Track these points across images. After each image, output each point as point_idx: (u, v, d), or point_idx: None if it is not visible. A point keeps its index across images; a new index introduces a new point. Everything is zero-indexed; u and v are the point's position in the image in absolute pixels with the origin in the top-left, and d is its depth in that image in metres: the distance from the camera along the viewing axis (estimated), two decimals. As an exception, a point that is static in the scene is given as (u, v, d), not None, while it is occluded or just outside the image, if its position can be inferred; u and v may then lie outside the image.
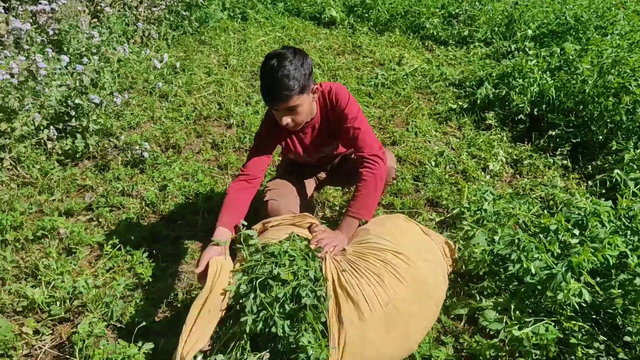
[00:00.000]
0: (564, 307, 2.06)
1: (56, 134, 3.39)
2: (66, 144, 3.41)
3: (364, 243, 2.06)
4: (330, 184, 2.96)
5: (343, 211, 2.88)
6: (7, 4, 4.46)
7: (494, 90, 4.35)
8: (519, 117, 4.02)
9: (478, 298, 2.31)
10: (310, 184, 2.74)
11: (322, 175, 2.83)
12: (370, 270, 1.90)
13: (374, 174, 2.24)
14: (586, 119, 3.72)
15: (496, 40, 5.84)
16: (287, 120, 2.16)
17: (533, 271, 2.14)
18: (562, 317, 2.05)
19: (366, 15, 6.87)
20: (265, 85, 2.06)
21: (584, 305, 2.07)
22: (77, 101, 3.38)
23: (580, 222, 2.44)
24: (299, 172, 2.74)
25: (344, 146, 2.62)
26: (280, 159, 3.04)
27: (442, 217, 3.01)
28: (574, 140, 3.67)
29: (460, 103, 4.44)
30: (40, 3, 4.29)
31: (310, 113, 2.30)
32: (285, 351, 1.74)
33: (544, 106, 3.96)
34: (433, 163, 3.54)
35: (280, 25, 6.68)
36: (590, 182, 3.33)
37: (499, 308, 2.21)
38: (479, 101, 4.31)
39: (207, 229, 2.91)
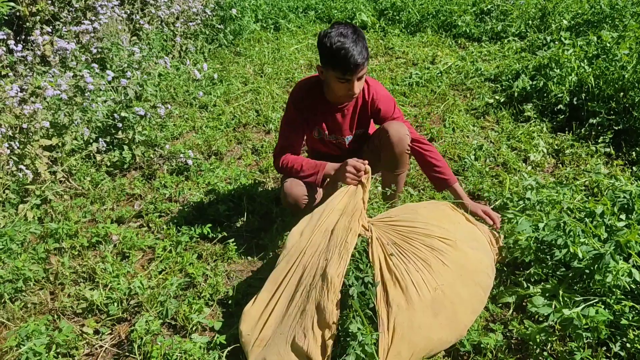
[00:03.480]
0: (614, 289, 2.04)
1: (104, 146, 3.54)
2: (114, 156, 3.56)
3: (410, 226, 2.08)
4: None
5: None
6: (52, 26, 4.67)
7: (531, 82, 4.31)
8: (558, 107, 3.96)
9: (525, 285, 2.29)
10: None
11: None
12: (417, 256, 1.92)
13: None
14: (627, 105, 3.65)
15: (531, 33, 5.78)
16: (359, 87, 2.30)
17: (580, 256, 2.12)
18: (612, 299, 2.02)
19: (397, 17, 6.89)
20: (347, 53, 2.15)
21: (633, 286, 2.04)
22: (123, 114, 3.52)
23: (626, 205, 2.40)
24: None
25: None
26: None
27: (485, 209, 3.00)
28: (616, 127, 3.61)
29: (497, 97, 4.41)
30: (82, 23, 4.48)
31: None
32: (338, 337, 1.79)
33: (583, 95, 3.90)
34: (472, 157, 3.53)
35: (312, 33, 6.77)
36: (635, 168, 3.27)
37: (547, 294, 2.18)
38: (516, 94, 4.29)
39: (251, 229, 2.99)
